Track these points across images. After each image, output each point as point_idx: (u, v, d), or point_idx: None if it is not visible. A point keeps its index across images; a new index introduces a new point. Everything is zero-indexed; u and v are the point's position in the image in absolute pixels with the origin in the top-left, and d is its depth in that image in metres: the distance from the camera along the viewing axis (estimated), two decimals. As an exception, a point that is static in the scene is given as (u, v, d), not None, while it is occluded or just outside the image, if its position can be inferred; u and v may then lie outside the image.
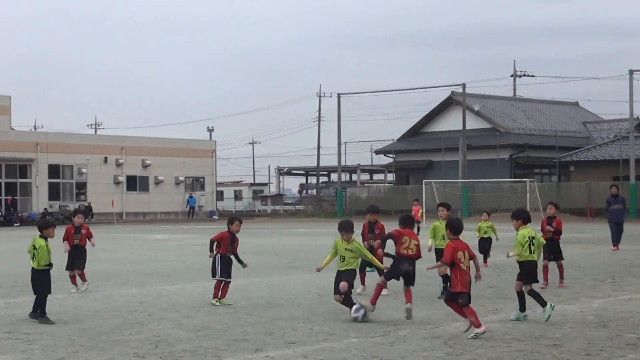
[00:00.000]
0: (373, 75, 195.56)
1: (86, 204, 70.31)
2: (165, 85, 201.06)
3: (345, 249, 13.48)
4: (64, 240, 17.35)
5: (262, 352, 10.75)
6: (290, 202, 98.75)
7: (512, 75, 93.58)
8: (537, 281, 13.60)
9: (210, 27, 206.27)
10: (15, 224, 61.38)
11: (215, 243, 15.40)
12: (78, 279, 17.60)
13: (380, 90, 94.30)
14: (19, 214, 65.40)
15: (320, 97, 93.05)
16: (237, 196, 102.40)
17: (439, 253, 15.35)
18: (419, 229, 40.66)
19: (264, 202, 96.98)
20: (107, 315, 14.21)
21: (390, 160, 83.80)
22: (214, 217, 75.51)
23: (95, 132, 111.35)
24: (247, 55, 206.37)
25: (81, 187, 72.51)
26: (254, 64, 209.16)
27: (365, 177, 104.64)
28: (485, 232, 23.11)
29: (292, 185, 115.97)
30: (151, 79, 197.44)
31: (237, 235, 15.53)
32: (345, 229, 13.62)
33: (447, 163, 71.83)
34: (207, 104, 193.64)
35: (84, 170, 71.85)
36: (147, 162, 75.03)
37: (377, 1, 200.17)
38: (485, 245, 23.01)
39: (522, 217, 13.43)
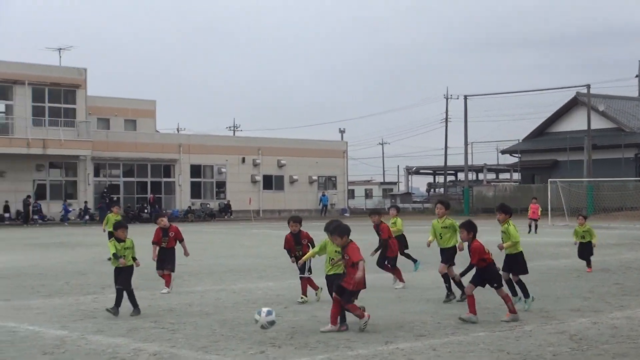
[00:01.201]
0: (492, 77, 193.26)
1: (225, 202, 71.70)
2: (299, 88, 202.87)
3: (335, 251, 12.36)
4: (153, 243, 16.81)
5: (393, 344, 10.75)
6: (418, 200, 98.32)
7: (636, 76, 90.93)
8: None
9: (339, 31, 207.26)
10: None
11: (288, 250, 15.49)
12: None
13: (506, 92, 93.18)
14: (163, 211, 67.02)
15: (447, 99, 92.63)
16: (368, 195, 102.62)
17: (444, 252, 15.10)
18: (536, 226, 40.18)
19: (393, 201, 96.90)
20: (245, 307, 14.42)
21: (516, 159, 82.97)
22: (345, 214, 75.77)
23: (234, 134, 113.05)
24: (376, 57, 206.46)
25: (221, 185, 73.89)
26: (381, 66, 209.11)
27: (491, 176, 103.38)
28: (583, 237, 21.08)
29: (420, 184, 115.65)
30: (285, 83, 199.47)
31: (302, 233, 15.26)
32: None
33: (572, 162, 70.54)
34: (339, 106, 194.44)
35: (223, 170, 73.27)
36: (282, 162, 75.97)
37: (496, 3, 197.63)
38: (585, 250, 20.64)
39: None
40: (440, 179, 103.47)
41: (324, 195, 77.21)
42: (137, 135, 71.16)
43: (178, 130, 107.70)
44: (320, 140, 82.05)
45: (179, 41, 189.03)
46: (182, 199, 70.49)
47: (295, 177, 76.53)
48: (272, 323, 11.29)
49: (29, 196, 61.74)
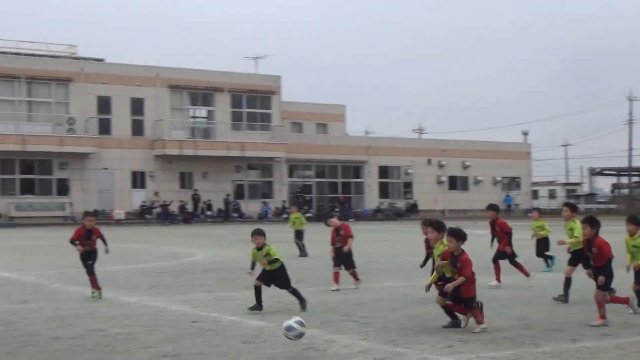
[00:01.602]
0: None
1: (412, 202, 71.72)
2: (483, 90, 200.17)
3: (438, 255, 12.17)
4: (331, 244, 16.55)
5: (579, 343, 10.46)
6: (602, 201, 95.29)
7: None
8: None
9: (518, 35, 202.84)
10: (350, 220, 63.47)
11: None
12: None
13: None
14: (353, 210, 67.75)
15: (631, 100, 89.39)
16: (552, 195, 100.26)
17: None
18: None
19: (577, 201, 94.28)
20: (433, 303, 14.36)
21: None
22: (529, 214, 74.31)
23: (420, 136, 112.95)
24: (557, 58, 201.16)
25: (407, 186, 74.00)
26: (562, 67, 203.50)
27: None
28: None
29: (603, 184, 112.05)
30: (468, 86, 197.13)
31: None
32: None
33: None
34: (521, 108, 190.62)
35: (409, 171, 73.36)
36: (467, 163, 75.37)
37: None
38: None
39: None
40: (624, 180, 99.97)
41: (508, 195, 76.07)
42: (328, 138, 72.14)
43: (366, 133, 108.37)
44: (504, 142, 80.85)
45: (365, 48, 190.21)
46: (371, 199, 71.05)
47: (479, 178, 75.77)
48: (299, 335, 10.01)
49: (228, 195, 63.75)
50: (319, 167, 70.33)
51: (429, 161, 74.26)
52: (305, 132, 73.93)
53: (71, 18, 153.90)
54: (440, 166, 74.53)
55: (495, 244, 17.10)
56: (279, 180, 67.39)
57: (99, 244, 15.17)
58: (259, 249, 13.24)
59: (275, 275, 13.27)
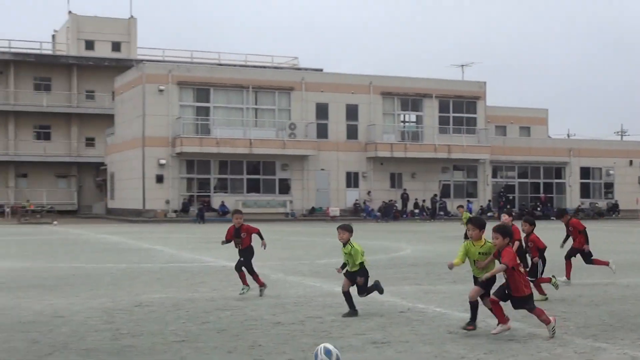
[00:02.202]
0: None
1: (613, 202, 69.15)
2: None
3: (479, 253, 10.65)
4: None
5: None
6: None
7: None
8: None
9: None
10: (551, 218, 61.90)
11: None
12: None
13: None
14: (554, 209, 66.10)
15: None
16: None
17: None
18: None
19: None
20: (634, 300, 13.78)
21: None
22: None
23: (621, 138, 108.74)
24: None
25: (608, 186, 71.29)
26: None
27: None
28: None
29: None
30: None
31: None
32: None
33: None
34: None
35: (611, 172, 70.68)
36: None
37: None
38: None
39: None
40: None
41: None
42: (531, 141, 70.89)
43: (568, 136, 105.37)
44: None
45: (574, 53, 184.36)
46: (572, 199, 68.95)
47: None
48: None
49: (435, 195, 63.69)
50: (522, 168, 69.02)
51: (631, 162, 71.25)
52: (508, 135, 72.98)
53: (293, 31, 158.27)
54: (646, 167, 71.63)
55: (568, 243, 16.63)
56: (483, 180, 66.63)
57: (256, 240, 14.15)
58: (344, 245, 12.03)
59: (354, 276, 12.01)
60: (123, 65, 71.48)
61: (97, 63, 75.69)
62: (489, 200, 65.00)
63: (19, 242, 31.31)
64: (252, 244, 14.22)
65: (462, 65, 74.04)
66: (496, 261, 10.36)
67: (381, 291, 12.25)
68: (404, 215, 61.64)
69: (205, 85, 59.02)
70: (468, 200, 64.29)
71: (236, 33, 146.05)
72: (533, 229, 14.40)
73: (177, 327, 10.95)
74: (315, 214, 60.38)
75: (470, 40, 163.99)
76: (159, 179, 57.65)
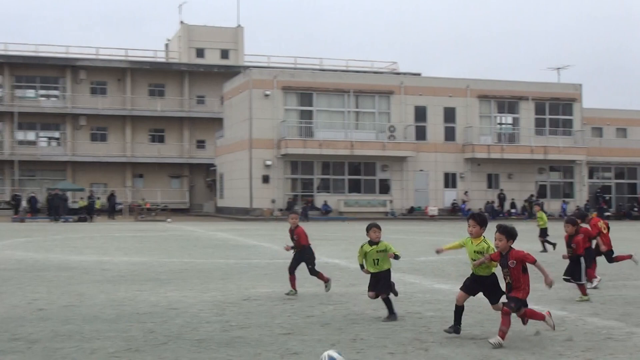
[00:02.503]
0: None
1: None
2: None
3: (475, 252, 9.82)
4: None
5: None
6: None
7: None
8: None
9: None
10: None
11: None
12: None
13: None
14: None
15: None
16: None
17: None
18: None
19: None
20: None
21: None
22: None
23: None
24: None
25: None
26: None
27: None
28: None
29: None
30: None
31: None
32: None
33: None
34: None
35: None
36: None
37: None
38: None
39: None
40: None
41: None
42: (627, 142, 68.94)
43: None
44: None
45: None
46: (671, 199, 66.80)
47: None
48: None
49: (532, 195, 62.62)
50: (618, 169, 67.22)
51: None
52: (605, 136, 71.04)
53: (393, 37, 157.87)
54: None
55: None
56: (579, 181, 65.12)
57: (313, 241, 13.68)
58: (376, 243, 11.16)
59: (379, 277, 11.24)
60: (231, 72, 72.66)
61: (207, 70, 77.15)
62: (587, 201, 63.47)
63: (136, 238, 32.15)
64: (311, 244, 13.60)
65: (558, 69, 72.56)
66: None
67: (396, 293, 11.54)
68: (501, 215, 60.75)
69: (309, 89, 59.45)
70: (563, 201, 63.02)
71: (339, 38, 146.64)
72: (576, 230, 13.77)
73: (283, 320, 11.06)
74: (414, 213, 60.10)
75: (566, 42, 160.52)
76: (265, 179, 58.37)
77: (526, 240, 31.12)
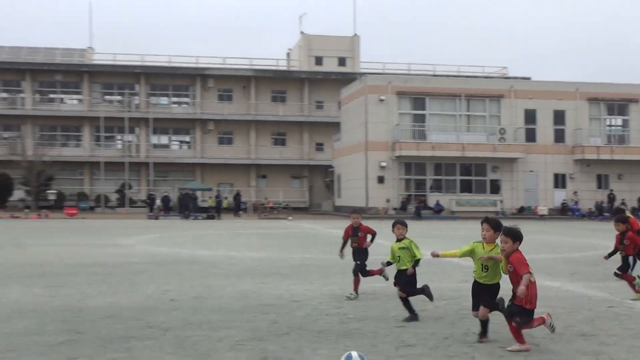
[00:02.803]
0: None
1: None
2: None
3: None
4: None
5: None
6: None
7: None
8: None
9: None
10: None
11: None
12: None
13: None
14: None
15: None
16: None
17: None
18: None
19: None
20: None
21: None
22: None
23: None
24: None
25: None
26: None
27: None
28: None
29: None
30: None
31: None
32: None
33: None
34: None
35: None
36: None
37: None
38: None
39: None
40: None
41: None
42: None
43: None
44: None
45: None
46: None
47: None
48: None
49: (642, 195, 60.46)
50: None
51: None
52: None
53: (503, 44, 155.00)
54: None
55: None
56: (691, 181, 62.33)
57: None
58: (400, 240, 10.97)
59: (401, 273, 10.89)
60: (348, 78, 73.02)
61: (325, 77, 77.74)
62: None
63: (259, 235, 32.69)
64: (367, 246, 13.04)
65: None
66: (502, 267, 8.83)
67: (431, 298, 10.98)
68: (605, 214, 58.76)
69: (421, 94, 59.10)
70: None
71: (450, 43, 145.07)
72: (627, 227, 13.07)
73: (397, 314, 11.04)
74: (524, 213, 58.90)
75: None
76: (380, 179, 58.36)
77: None
